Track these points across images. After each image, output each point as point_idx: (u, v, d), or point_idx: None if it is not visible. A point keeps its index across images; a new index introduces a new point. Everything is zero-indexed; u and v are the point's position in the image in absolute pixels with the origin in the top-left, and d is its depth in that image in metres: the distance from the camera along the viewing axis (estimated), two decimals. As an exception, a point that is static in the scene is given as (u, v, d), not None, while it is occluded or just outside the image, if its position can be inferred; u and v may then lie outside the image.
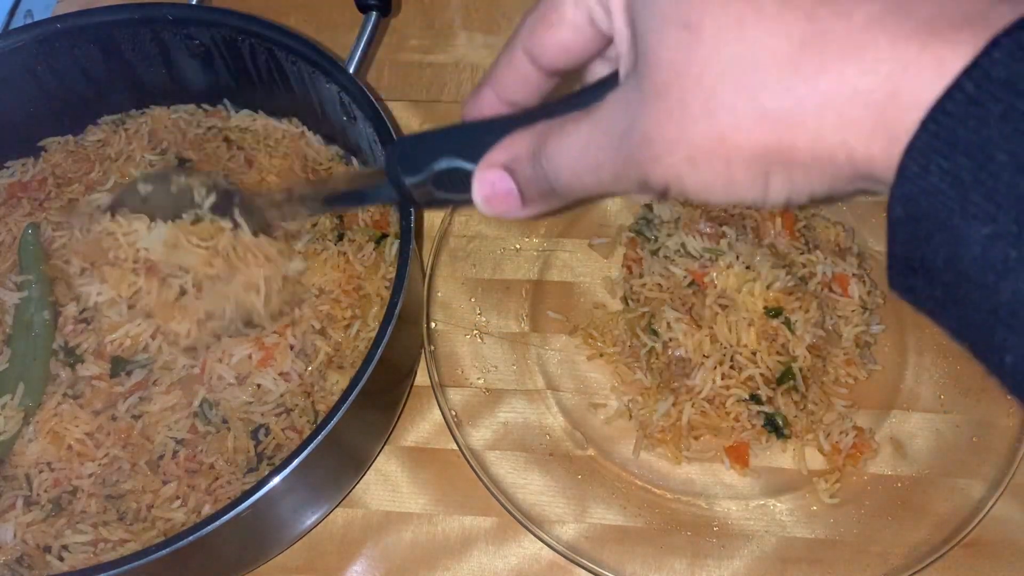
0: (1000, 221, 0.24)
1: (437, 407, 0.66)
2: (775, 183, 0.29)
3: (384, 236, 0.69)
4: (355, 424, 0.56)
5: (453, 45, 0.88)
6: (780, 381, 0.64)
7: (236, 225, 0.59)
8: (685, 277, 0.67)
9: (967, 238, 0.24)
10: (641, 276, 0.69)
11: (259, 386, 0.63)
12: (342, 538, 0.64)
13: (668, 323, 0.66)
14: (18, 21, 0.91)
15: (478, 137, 0.37)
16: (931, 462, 0.63)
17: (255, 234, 0.59)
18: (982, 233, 0.24)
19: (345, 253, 0.68)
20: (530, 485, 0.64)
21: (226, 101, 0.76)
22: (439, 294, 0.70)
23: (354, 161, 0.73)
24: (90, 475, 0.60)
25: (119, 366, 0.63)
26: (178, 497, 0.59)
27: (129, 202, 0.60)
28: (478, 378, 0.68)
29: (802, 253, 0.68)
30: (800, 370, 0.64)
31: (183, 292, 0.59)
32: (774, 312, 0.64)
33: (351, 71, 0.66)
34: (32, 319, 0.65)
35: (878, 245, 0.72)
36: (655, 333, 0.67)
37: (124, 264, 0.59)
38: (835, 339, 0.66)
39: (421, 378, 0.69)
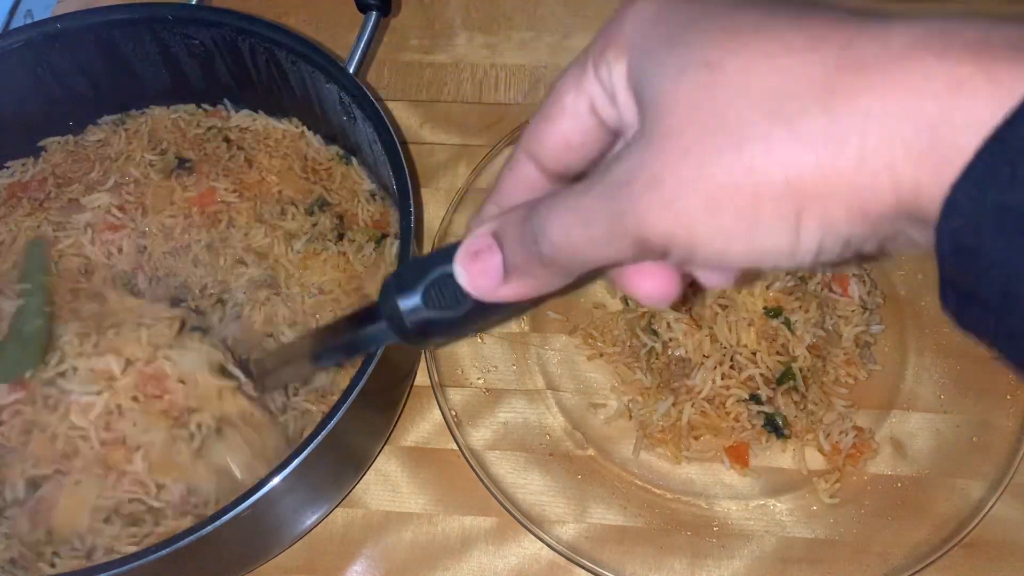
0: None
1: (437, 407, 0.66)
2: (808, 224, 0.26)
3: (384, 236, 0.69)
4: (355, 424, 0.56)
5: (453, 45, 0.88)
6: (780, 381, 0.64)
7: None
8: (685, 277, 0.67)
9: None
10: (641, 276, 0.69)
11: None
12: (342, 538, 0.64)
13: (668, 323, 0.66)
14: (18, 21, 0.91)
15: None
16: (931, 462, 0.63)
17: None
18: None
19: (345, 253, 0.68)
20: (530, 485, 0.64)
21: (226, 101, 0.76)
22: (439, 294, 0.70)
23: (354, 161, 0.73)
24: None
25: None
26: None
27: None
28: (478, 378, 0.68)
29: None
30: (800, 370, 0.64)
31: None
32: (774, 312, 0.64)
33: (351, 71, 0.66)
34: (23, 328, 0.64)
35: (878, 245, 0.72)
36: (655, 333, 0.67)
37: None
38: (835, 339, 0.66)
39: (421, 378, 0.69)
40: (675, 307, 0.66)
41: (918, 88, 0.23)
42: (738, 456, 0.64)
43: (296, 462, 0.50)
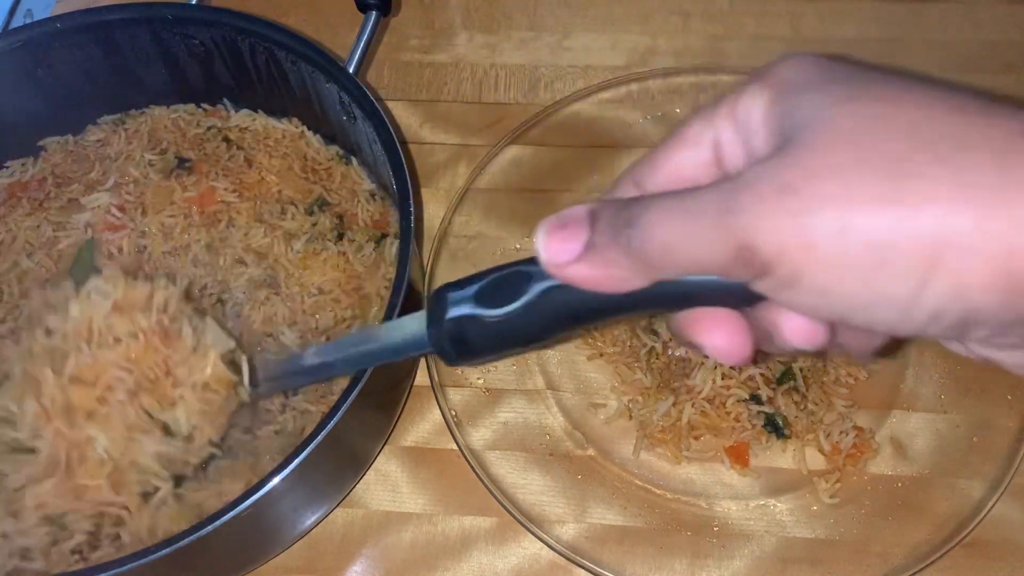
0: None
1: (437, 407, 0.66)
2: (938, 280, 0.24)
3: (384, 236, 0.69)
4: (355, 424, 0.56)
5: (453, 45, 0.88)
6: (780, 381, 0.64)
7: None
8: (685, 277, 0.67)
9: None
10: (641, 276, 0.69)
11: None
12: (342, 538, 0.64)
13: (669, 323, 0.65)
14: (18, 21, 0.91)
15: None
16: (931, 462, 0.63)
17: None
18: None
19: (345, 253, 0.68)
20: (530, 485, 0.64)
21: (226, 101, 0.76)
22: (439, 294, 0.70)
23: (354, 161, 0.73)
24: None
25: None
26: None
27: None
28: (478, 378, 0.68)
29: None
30: (800, 370, 0.64)
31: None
32: (774, 312, 0.64)
33: (351, 71, 0.66)
34: None
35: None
36: (655, 333, 0.67)
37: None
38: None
39: (421, 378, 0.69)
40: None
41: None
42: (738, 456, 0.64)
43: (296, 462, 0.50)
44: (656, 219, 0.29)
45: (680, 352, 0.66)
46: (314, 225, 0.69)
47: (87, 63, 0.71)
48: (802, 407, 0.64)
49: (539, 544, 0.62)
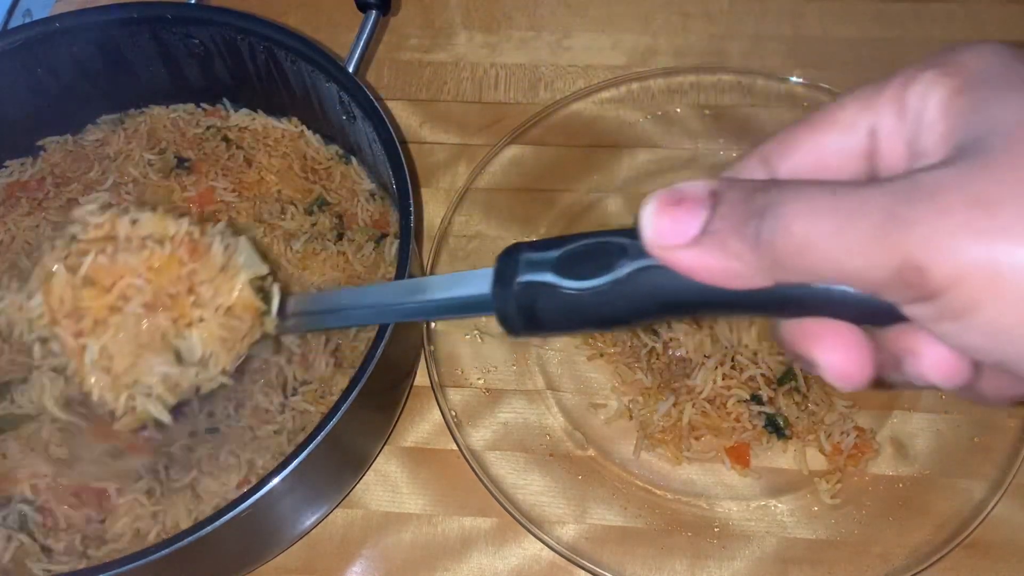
0: None
1: (437, 407, 0.66)
2: None
3: (384, 236, 0.69)
4: (355, 424, 0.56)
5: (453, 44, 0.88)
6: (781, 381, 0.64)
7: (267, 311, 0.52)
8: (686, 277, 0.67)
9: None
10: (641, 276, 0.69)
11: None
12: (342, 539, 0.64)
13: (668, 323, 0.65)
14: (17, 20, 0.91)
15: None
16: (932, 462, 0.63)
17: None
18: None
19: (344, 253, 0.68)
20: (530, 486, 0.64)
21: (225, 100, 0.75)
22: (439, 294, 0.70)
23: (353, 160, 0.73)
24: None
25: None
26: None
27: None
28: (478, 378, 0.68)
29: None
30: (801, 370, 0.64)
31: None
32: (775, 312, 0.64)
33: (351, 70, 0.66)
34: None
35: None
36: (655, 333, 0.66)
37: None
38: (836, 339, 0.66)
39: (421, 378, 0.69)
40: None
41: None
42: (739, 456, 0.64)
43: (296, 462, 0.50)
44: (798, 212, 0.24)
45: (681, 352, 0.65)
46: (313, 225, 0.69)
47: (86, 63, 0.71)
48: (803, 407, 0.64)
49: (539, 545, 0.61)
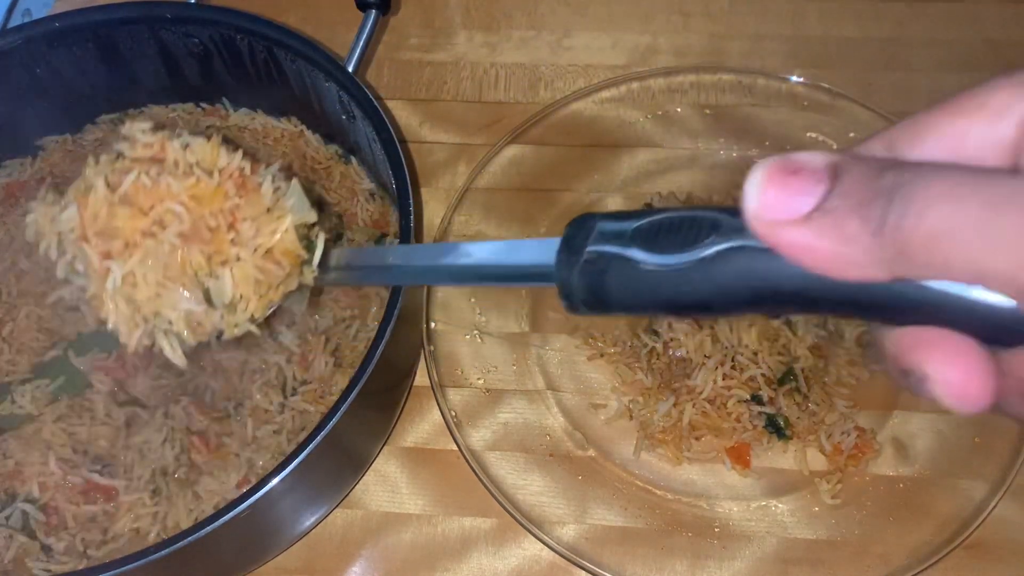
0: None
1: (437, 407, 0.66)
2: None
3: (383, 235, 0.69)
4: (354, 424, 0.56)
5: (453, 44, 0.88)
6: (781, 382, 0.64)
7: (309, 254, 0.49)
8: (686, 277, 0.67)
9: None
10: (642, 276, 0.69)
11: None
12: (341, 539, 0.64)
13: (669, 323, 0.65)
14: (16, 20, 0.90)
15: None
16: (933, 463, 0.63)
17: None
18: None
19: (344, 253, 0.67)
20: (530, 486, 0.64)
21: (225, 100, 0.75)
22: (439, 294, 0.70)
23: (353, 160, 0.73)
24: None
25: None
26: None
27: None
28: (478, 378, 0.68)
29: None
30: (802, 371, 0.64)
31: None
32: (775, 312, 0.64)
33: (350, 70, 0.66)
34: (101, 329, 0.64)
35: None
36: (656, 333, 0.66)
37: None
38: (837, 339, 0.66)
39: (421, 378, 0.69)
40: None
41: None
42: (739, 457, 0.64)
43: (295, 463, 0.50)
44: (936, 196, 0.21)
45: (681, 352, 0.65)
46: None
47: (85, 62, 0.71)
48: (803, 408, 0.64)
49: (539, 545, 0.61)
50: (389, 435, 0.67)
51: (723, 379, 0.64)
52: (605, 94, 0.79)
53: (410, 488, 0.66)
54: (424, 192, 0.78)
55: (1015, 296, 0.21)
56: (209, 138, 0.48)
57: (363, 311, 0.65)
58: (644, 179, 0.76)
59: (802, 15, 0.87)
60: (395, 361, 0.61)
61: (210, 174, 0.46)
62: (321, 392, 0.63)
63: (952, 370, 0.23)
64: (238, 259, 0.46)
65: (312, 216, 0.49)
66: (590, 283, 0.29)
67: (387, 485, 0.66)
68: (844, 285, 0.24)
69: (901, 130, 0.26)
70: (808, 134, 0.77)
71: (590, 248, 0.29)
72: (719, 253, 0.26)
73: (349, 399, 0.51)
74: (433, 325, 0.68)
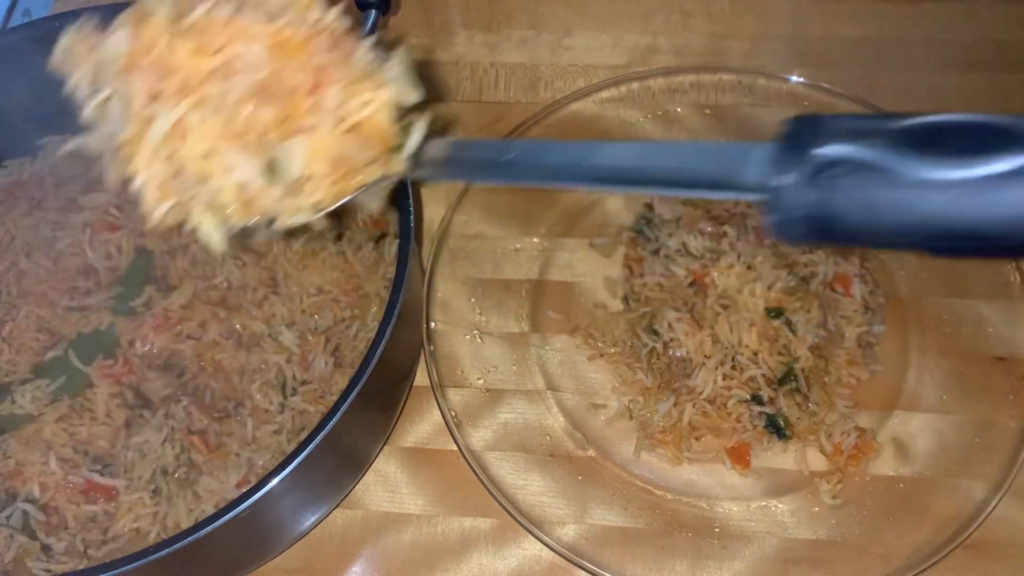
0: None
1: (437, 407, 0.66)
2: None
3: (383, 236, 0.68)
4: (354, 424, 0.56)
5: (453, 44, 0.87)
6: (782, 382, 0.64)
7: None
8: (686, 277, 0.67)
9: None
10: (642, 276, 0.69)
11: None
12: (341, 539, 0.64)
13: (669, 323, 0.65)
14: (16, 20, 0.90)
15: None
16: (933, 463, 0.63)
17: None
18: None
19: (344, 253, 0.67)
20: (530, 486, 0.63)
21: (225, 100, 0.75)
22: (439, 294, 0.70)
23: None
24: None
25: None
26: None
27: None
28: (478, 378, 0.68)
29: (804, 253, 0.68)
30: (802, 371, 0.64)
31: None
32: (775, 312, 0.64)
33: (350, 70, 0.66)
34: (102, 328, 0.65)
35: (880, 245, 0.72)
36: (656, 333, 0.66)
37: None
38: (837, 339, 0.66)
39: (421, 378, 0.69)
40: (676, 307, 0.66)
41: None
42: (739, 457, 0.64)
43: (295, 463, 0.50)
44: None
45: (681, 352, 0.65)
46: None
47: (85, 62, 0.71)
48: (803, 408, 0.64)
49: (539, 545, 0.61)
50: (389, 435, 0.67)
51: (723, 379, 0.64)
52: (605, 94, 0.79)
53: (410, 488, 0.66)
54: (424, 192, 0.78)
55: None
56: None
57: (363, 311, 0.65)
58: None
59: (803, 15, 0.87)
60: (395, 361, 0.61)
61: (297, 25, 0.38)
62: (321, 392, 0.63)
63: None
64: (314, 130, 0.38)
65: (414, 95, 0.41)
66: (820, 199, 0.22)
67: (387, 485, 0.66)
68: None
69: None
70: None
71: (823, 151, 0.22)
72: (1016, 171, 0.20)
73: (349, 399, 0.51)
74: (433, 325, 0.68)
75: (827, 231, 0.23)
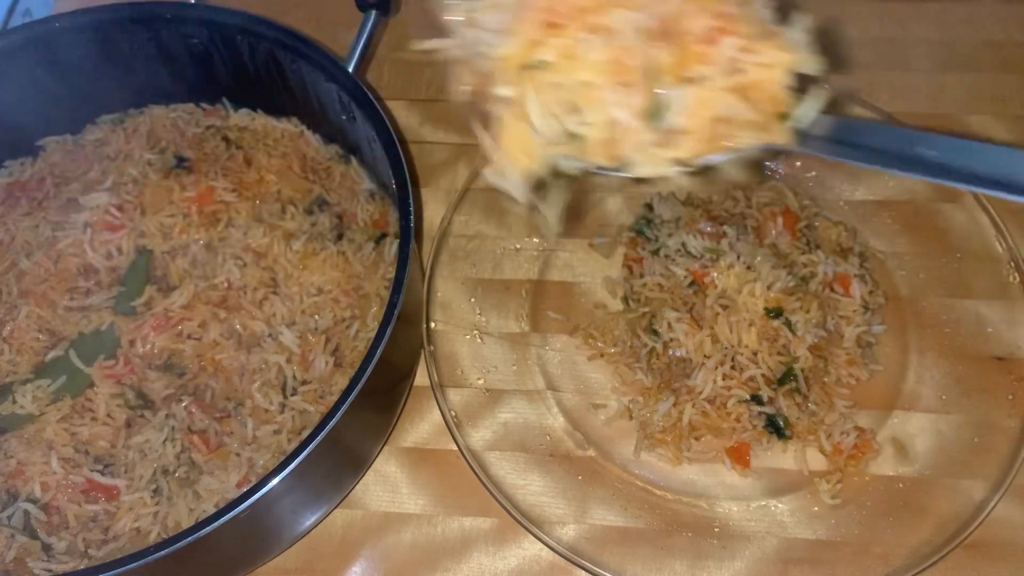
0: None
1: (437, 407, 0.66)
2: None
3: (383, 235, 0.69)
4: (354, 424, 0.56)
5: (453, 44, 0.87)
6: (781, 382, 0.64)
7: None
8: (686, 277, 0.67)
9: None
10: (642, 276, 0.69)
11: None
12: (341, 539, 0.64)
13: (669, 323, 0.65)
14: (17, 20, 0.90)
15: None
16: (933, 463, 0.63)
17: None
18: None
19: (344, 252, 0.67)
20: (530, 486, 0.64)
21: (225, 100, 0.75)
22: (439, 294, 0.70)
23: (353, 160, 0.73)
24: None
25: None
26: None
27: None
28: (478, 378, 0.68)
29: (803, 253, 0.68)
30: (801, 371, 0.64)
31: None
32: (775, 313, 0.64)
33: (351, 70, 0.66)
34: (103, 328, 0.65)
35: (880, 245, 0.72)
36: (656, 333, 0.66)
37: None
38: (837, 339, 0.66)
39: (421, 378, 0.69)
40: (676, 307, 0.66)
41: None
42: (739, 457, 0.64)
43: (295, 463, 0.50)
44: None
45: (681, 352, 0.65)
46: (313, 225, 0.69)
47: (86, 63, 0.71)
48: (803, 408, 0.64)
49: (539, 545, 0.61)
50: (389, 435, 0.67)
51: (723, 379, 0.64)
52: (605, 94, 0.79)
53: (410, 488, 0.66)
54: (424, 192, 0.78)
55: None
56: None
57: (363, 311, 0.65)
58: (644, 179, 0.76)
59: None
60: (395, 361, 0.61)
61: None
62: (321, 392, 0.63)
63: None
64: (704, 80, 0.36)
65: (815, 65, 0.38)
66: None
67: (387, 485, 0.66)
68: None
69: None
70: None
71: None
72: None
73: (349, 399, 0.51)
74: (433, 325, 0.68)
75: None
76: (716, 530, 0.62)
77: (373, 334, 0.54)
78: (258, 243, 0.67)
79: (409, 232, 0.57)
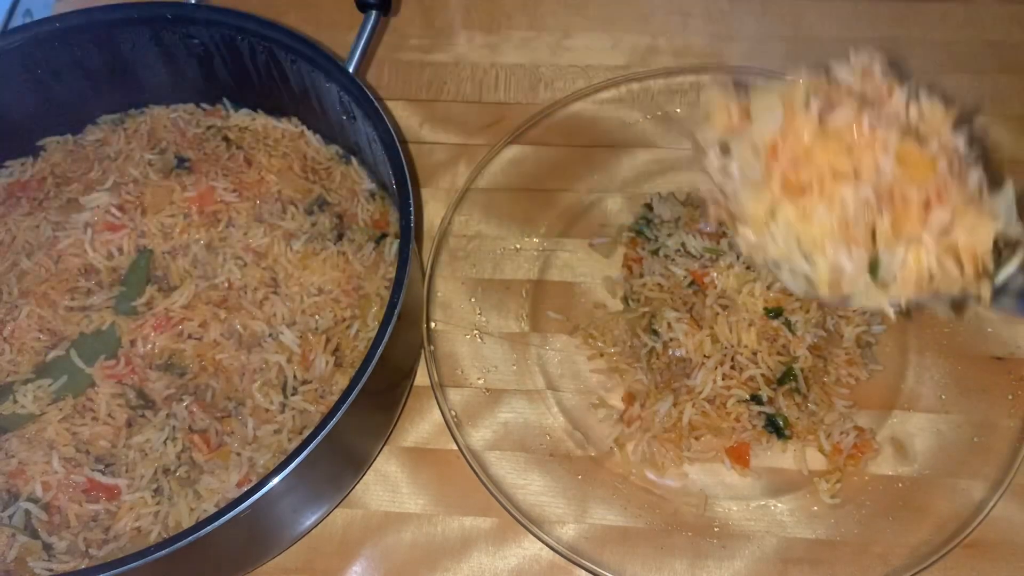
0: None
1: (437, 407, 0.66)
2: None
3: (384, 235, 0.69)
4: (355, 424, 0.56)
5: (453, 44, 0.88)
6: (781, 382, 0.64)
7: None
8: (685, 277, 0.67)
9: None
10: (641, 276, 0.69)
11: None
12: (342, 539, 0.64)
13: (668, 323, 0.65)
14: (17, 20, 0.91)
15: None
16: (932, 462, 0.63)
17: None
18: None
19: (344, 253, 0.67)
20: (530, 485, 0.64)
21: (225, 100, 0.75)
22: (439, 294, 0.70)
23: (353, 160, 0.73)
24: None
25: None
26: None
27: None
28: (478, 378, 0.68)
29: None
30: (801, 371, 0.64)
31: None
32: (774, 312, 0.64)
33: (351, 70, 0.66)
34: (104, 328, 0.65)
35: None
36: (655, 333, 0.66)
37: None
38: (836, 339, 0.66)
39: (421, 378, 0.69)
40: (676, 307, 0.66)
41: None
42: (739, 456, 0.64)
43: (296, 462, 0.50)
44: None
45: (680, 352, 0.65)
46: (313, 225, 0.69)
47: (86, 63, 0.71)
48: (803, 407, 0.64)
49: (539, 545, 0.61)
50: (389, 435, 0.67)
51: (722, 379, 0.64)
52: (605, 95, 0.79)
53: (410, 488, 0.66)
54: (424, 192, 0.78)
55: None
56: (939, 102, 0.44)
57: (363, 311, 0.65)
58: (644, 179, 0.77)
59: (802, 16, 0.87)
60: (395, 361, 0.61)
61: (923, 142, 0.41)
62: (322, 392, 0.63)
63: None
64: (919, 243, 0.41)
65: (1018, 231, 0.43)
66: None
67: (387, 485, 0.66)
68: None
69: None
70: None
71: None
72: None
73: (349, 399, 0.51)
74: (433, 325, 0.68)
75: None
76: (716, 529, 0.62)
77: (373, 334, 0.54)
78: (258, 243, 0.68)
79: (409, 232, 0.57)
